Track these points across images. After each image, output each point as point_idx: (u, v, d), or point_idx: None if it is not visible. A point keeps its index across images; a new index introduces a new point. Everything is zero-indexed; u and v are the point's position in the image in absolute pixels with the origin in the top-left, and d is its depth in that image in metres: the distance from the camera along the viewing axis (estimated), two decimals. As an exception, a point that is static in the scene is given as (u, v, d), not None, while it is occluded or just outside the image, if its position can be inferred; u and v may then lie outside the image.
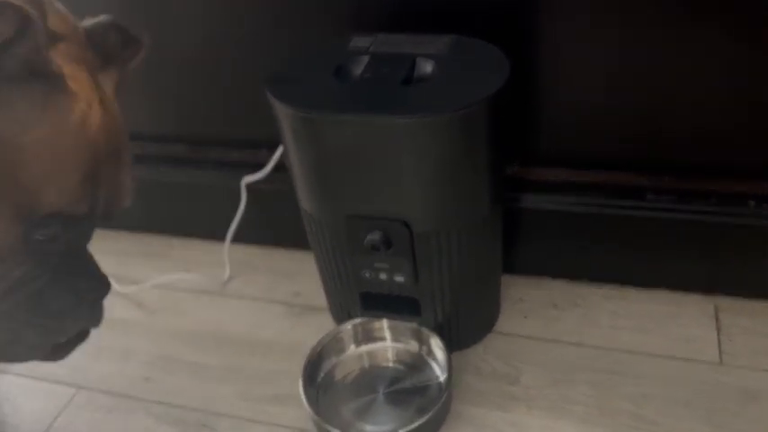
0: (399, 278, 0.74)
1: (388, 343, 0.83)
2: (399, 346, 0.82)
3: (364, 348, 0.83)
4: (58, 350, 0.56)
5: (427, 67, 0.68)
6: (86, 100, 0.48)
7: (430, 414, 0.70)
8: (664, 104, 0.76)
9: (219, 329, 0.91)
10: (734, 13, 0.68)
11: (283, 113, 0.65)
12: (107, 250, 1.07)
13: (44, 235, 0.48)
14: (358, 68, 0.69)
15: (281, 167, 0.92)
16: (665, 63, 0.73)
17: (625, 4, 0.70)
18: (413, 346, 0.82)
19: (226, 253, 0.99)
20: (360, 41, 0.72)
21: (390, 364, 0.82)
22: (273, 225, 1.00)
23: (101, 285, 0.55)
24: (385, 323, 0.82)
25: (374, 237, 0.69)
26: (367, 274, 0.75)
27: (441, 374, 0.78)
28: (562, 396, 0.76)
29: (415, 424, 0.69)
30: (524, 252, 0.90)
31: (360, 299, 0.79)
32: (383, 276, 0.74)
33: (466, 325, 0.81)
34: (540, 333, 0.84)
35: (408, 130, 0.61)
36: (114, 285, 0.98)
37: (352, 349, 0.83)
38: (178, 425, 0.79)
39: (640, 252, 0.85)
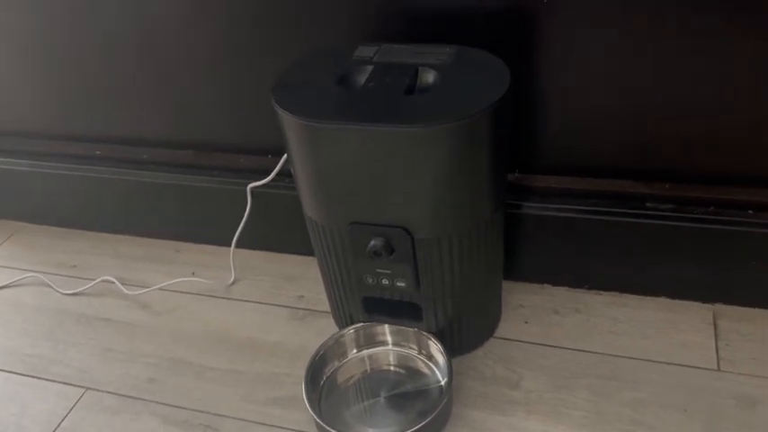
0: (401, 283, 0.75)
1: (389, 347, 0.84)
2: (401, 350, 0.84)
3: (366, 352, 0.84)
4: None
5: (430, 77, 0.69)
6: None
7: (430, 417, 0.71)
8: (663, 113, 0.76)
9: (224, 332, 0.92)
10: (733, 24, 0.69)
11: (287, 122, 0.66)
12: (115, 254, 1.10)
13: None
14: (362, 78, 0.70)
15: (285, 173, 0.93)
16: (663, 73, 0.74)
17: (624, 15, 0.71)
18: (414, 350, 0.83)
19: (231, 257, 1.00)
20: (364, 51, 0.73)
21: (392, 369, 0.83)
22: (278, 230, 1.02)
23: None
24: (387, 328, 0.83)
25: (376, 243, 0.70)
26: (369, 280, 0.76)
27: (441, 378, 0.79)
28: (562, 401, 0.77)
29: (416, 427, 0.70)
30: (525, 259, 0.91)
31: (362, 303, 0.81)
32: (385, 282, 0.75)
33: (467, 330, 0.82)
34: (541, 338, 0.85)
35: (410, 140, 0.62)
36: (121, 288, 1.00)
37: (354, 353, 0.84)
38: (182, 426, 0.80)
39: (640, 259, 0.85)
